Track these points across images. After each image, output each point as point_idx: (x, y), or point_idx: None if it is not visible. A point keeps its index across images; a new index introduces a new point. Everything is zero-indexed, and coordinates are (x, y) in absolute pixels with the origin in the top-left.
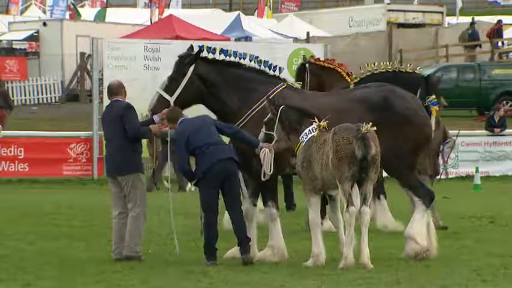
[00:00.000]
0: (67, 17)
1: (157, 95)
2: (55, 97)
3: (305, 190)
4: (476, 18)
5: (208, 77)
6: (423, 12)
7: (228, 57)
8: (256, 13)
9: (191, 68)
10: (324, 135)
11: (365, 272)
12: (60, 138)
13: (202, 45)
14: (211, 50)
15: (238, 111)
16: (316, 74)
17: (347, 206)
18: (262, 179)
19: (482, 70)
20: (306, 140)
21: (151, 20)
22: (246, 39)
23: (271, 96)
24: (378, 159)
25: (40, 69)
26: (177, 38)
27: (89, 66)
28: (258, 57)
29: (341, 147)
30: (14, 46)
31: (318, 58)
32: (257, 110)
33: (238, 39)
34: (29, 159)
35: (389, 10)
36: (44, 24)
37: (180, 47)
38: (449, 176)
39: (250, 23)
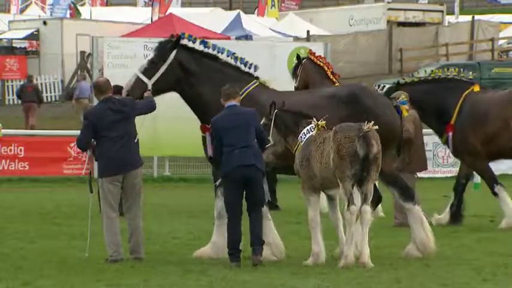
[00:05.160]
0: (68, 15)
1: (135, 77)
2: (55, 96)
3: (304, 189)
4: (477, 17)
5: (187, 65)
6: (423, 11)
7: (206, 49)
8: (256, 12)
9: (172, 54)
10: (323, 134)
11: (365, 271)
12: (60, 137)
13: (184, 33)
14: (192, 39)
15: (210, 104)
16: (307, 69)
17: (348, 205)
18: None
19: (482, 69)
20: (304, 140)
21: (152, 18)
22: (246, 37)
23: (245, 93)
24: (379, 158)
25: (40, 68)
26: None
27: (89, 65)
28: (234, 53)
29: (343, 145)
30: (14, 45)
31: (314, 53)
32: None
33: (238, 38)
34: (29, 158)
35: (389, 9)
36: (44, 23)
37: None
38: (450, 175)
39: (250, 22)
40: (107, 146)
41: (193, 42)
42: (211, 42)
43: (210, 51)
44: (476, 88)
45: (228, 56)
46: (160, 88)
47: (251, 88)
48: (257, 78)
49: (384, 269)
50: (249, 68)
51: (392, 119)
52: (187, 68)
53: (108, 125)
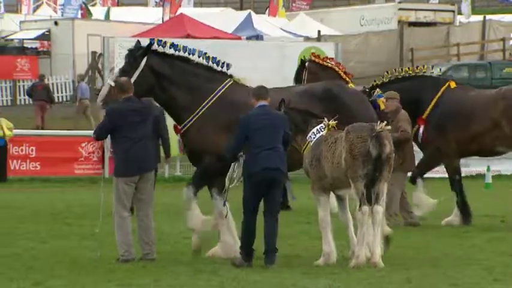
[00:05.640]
0: (79, 16)
1: (108, 86)
2: (66, 96)
3: (314, 189)
4: (488, 17)
5: (159, 70)
6: (434, 11)
7: (177, 51)
8: (267, 11)
9: (143, 61)
10: (334, 134)
11: (376, 271)
12: (71, 137)
13: (153, 39)
14: (162, 44)
15: (186, 107)
16: (314, 72)
17: (360, 205)
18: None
19: (493, 69)
20: (314, 139)
21: (163, 18)
22: (257, 38)
23: (220, 93)
24: (391, 158)
25: (51, 68)
26: (188, 36)
27: (100, 65)
28: (206, 53)
29: (355, 145)
30: (25, 45)
31: (318, 55)
32: (206, 107)
33: (249, 38)
34: (40, 158)
35: (400, 9)
36: (56, 23)
37: (190, 46)
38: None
39: (261, 22)
40: (126, 146)
41: (163, 47)
42: (181, 44)
43: (181, 53)
44: (453, 84)
45: (199, 57)
46: (139, 92)
47: (226, 87)
48: (231, 76)
49: (395, 269)
50: (222, 66)
51: (368, 115)
52: (160, 73)
53: (130, 125)
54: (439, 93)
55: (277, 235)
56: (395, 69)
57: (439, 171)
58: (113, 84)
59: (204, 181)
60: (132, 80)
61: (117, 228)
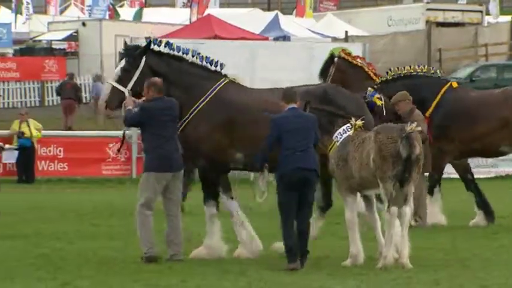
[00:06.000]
0: (107, 17)
1: (110, 87)
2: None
3: (341, 190)
4: None
5: (157, 70)
6: (462, 11)
7: (172, 51)
8: (294, 12)
9: (143, 60)
10: (361, 135)
11: (404, 272)
12: (99, 138)
13: (150, 38)
14: (157, 43)
15: (182, 105)
16: (342, 70)
17: (388, 206)
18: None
19: None
20: (340, 139)
21: (190, 19)
22: (284, 38)
23: (214, 92)
24: (421, 159)
25: (79, 68)
26: (216, 37)
27: None
28: (200, 53)
29: (385, 146)
30: (53, 46)
31: (349, 53)
32: (201, 106)
33: (276, 39)
34: (68, 159)
35: (428, 9)
36: (83, 24)
37: (218, 46)
38: (489, 176)
39: (289, 23)
40: (158, 143)
41: (159, 46)
42: (175, 44)
43: (176, 52)
44: (455, 84)
45: (193, 56)
46: (135, 95)
47: (221, 86)
48: (225, 76)
49: (423, 270)
50: (216, 66)
51: (366, 118)
52: (158, 72)
53: (161, 123)
54: (441, 93)
55: (308, 236)
56: (397, 68)
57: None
58: (115, 84)
59: (210, 190)
60: (134, 78)
61: (140, 226)
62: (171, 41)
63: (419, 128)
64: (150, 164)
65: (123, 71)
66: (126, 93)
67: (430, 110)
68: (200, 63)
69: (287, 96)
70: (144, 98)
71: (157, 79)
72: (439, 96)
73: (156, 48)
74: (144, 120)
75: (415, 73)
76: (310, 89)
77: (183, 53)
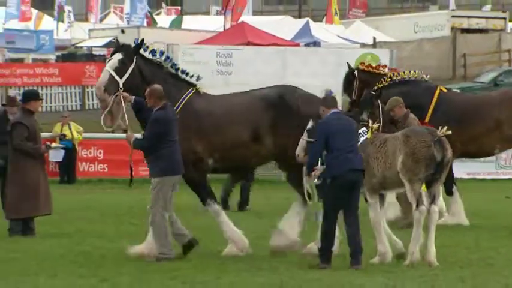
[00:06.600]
0: (145, 24)
1: (108, 73)
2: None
3: (363, 191)
4: None
5: (142, 71)
6: (486, 18)
7: (154, 57)
8: (324, 19)
9: (135, 58)
10: (380, 136)
11: (430, 270)
12: None
13: (137, 39)
14: (145, 47)
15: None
16: (366, 81)
17: (417, 205)
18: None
19: None
20: (359, 143)
21: (224, 26)
22: (315, 44)
23: (184, 100)
24: (451, 161)
25: None
26: (249, 44)
27: None
28: (176, 64)
29: (419, 150)
30: (93, 52)
31: (369, 64)
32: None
33: (307, 45)
34: (107, 160)
35: (453, 16)
36: (122, 31)
37: (251, 53)
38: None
39: (319, 29)
40: (173, 149)
41: (145, 50)
42: (159, 49)
43: (157, 58)
44: (443, 88)
45: (171, 67)
46: (129, 88)
47: (189, 95)
48: (194, 85)
49: (449, 267)
50: (191, 77)
51: (313, 114)
52: (143, 74)
53: (174, 129)
54: (435, 98)
55: (360, 235)
56: (393, 73)
57: (494, 173)
58: (112, 72)
59: (204, 189)
60: (128, 72)
61: (159, 228)
62: (203, 46)
63: (449, 132)
64: (165, 168)
65: (121, 62)
66: (120, 84)
67: (429, 115)
68: (174, 72)
69: (328, 101)
70: (149, 105)
71: (156, 86)
72: (434, 101)
73: (142, 52)
74: (162, 131)
75: (407, 78)
76: (268, 92)
77: (164, 60)
